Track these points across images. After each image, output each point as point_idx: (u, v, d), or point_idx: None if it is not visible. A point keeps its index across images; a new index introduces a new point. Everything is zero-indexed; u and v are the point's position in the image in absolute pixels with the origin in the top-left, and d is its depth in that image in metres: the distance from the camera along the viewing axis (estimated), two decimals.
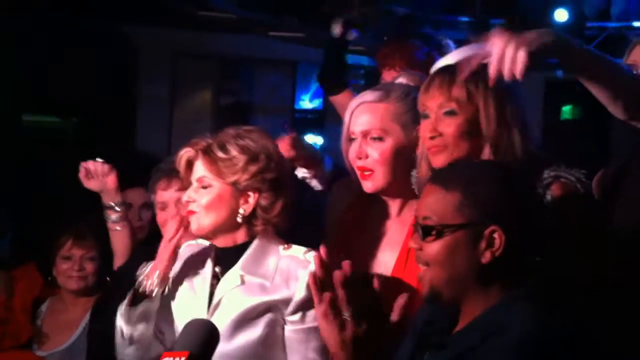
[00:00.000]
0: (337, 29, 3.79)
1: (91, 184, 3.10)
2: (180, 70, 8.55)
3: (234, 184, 2.22)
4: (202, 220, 2.24)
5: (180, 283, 2.34)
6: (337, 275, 1.68)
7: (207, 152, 2.24)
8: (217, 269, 2.29)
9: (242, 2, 6.46)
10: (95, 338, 3.08)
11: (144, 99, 8.34)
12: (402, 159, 2.31)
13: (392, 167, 2.34)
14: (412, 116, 2.28)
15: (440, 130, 2.08)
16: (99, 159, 3.09)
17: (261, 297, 2.19)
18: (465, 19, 7.62)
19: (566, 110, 9.57)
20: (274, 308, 2.19)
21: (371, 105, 2.39)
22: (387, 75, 3.28)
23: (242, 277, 2.22)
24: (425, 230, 1.74)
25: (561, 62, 2.04)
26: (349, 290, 1.68)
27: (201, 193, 2.24)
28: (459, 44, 2.94)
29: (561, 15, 7.25)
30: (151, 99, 8.31)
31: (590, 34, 7.74)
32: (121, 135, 7.72)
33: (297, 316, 2.19)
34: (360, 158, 2.37)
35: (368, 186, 2.37)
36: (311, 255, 2.19)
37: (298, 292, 2.19)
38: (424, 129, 2.13)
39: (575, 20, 7.34)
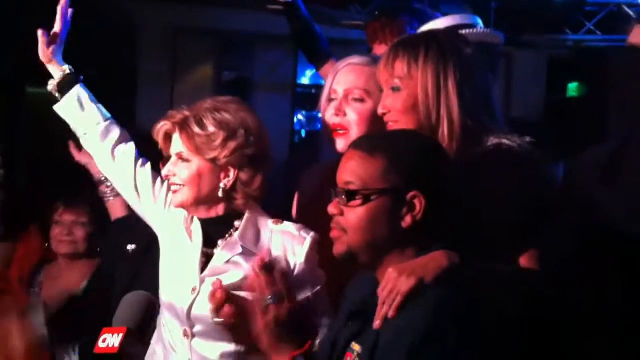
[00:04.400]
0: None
1: (81, 158, 3.15)
2: (180, 46, 8.52)
3: (213, 160, 2.21)
4: (184, 194, 2.24)
5: (170, 244, 2.35)
6: (257, 261, 1.75)
7: (184, 127, 2.22)
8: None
9: None
10: (92, 303, 3.13)
11: (144, 75, 8.32)
12: (378, 124, 2.32)
13: (368, 130, 2.35)
14: None
15: (388, 107, 2.12)
16: None
17: None
18: None
19: (572, 87, 9.53)
20: None
21: (357, 67, 2.42)
22: (378, 50, 3.31)
23: (242, 247, 2.23)
24: (349, 195, 1.76)
25: None
26: (268, 276, 1.74)
27: (180, 167, 2.23)
28: None
29: None
30: (151, 75, 8.29)
31: (591, 11, 7.71)
32: (122, 111, 7.72)
33: (297, 288, 2.18)
34: (337, 115, 2.38)
35: (341, 145, 2.38)
36: (305, 232, 2.24)
37: (298, 266, 2.23)
38: (379, 105, 2.17)
39: None
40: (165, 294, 2.31)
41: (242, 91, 8.80)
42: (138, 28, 7.95)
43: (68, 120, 2.50)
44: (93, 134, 2.44)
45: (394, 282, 1.74)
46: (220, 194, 2.24)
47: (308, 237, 2.24)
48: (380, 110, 2.15)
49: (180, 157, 2.24)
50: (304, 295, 2.22)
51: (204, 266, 2.27)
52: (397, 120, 2.11)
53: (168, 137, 2.28)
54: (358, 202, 1.75)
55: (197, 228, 2.31)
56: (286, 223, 2.30)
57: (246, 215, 2.27)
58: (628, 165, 2.27)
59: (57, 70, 2.51)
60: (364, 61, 2.44)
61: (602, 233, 2.23)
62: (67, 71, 2.50)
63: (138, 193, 2.42)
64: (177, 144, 2.24)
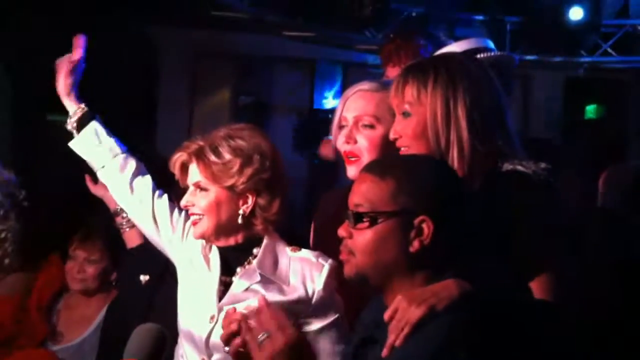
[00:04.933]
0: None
1: (97, 190, 3.18)
2: (199, 70, 8.61)
3: (231, 187, 2.21)
4: (204, 224, 2.24)
5: (188, 273, 2.35)
6: (260, 301, 1.75)
7: (200, 156, 2.22)
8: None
9: (256, 2, 6.50)
10: (108, 335, 3.14)
11: (164, 98, 8.42)
12: (389, 150, 2.29)
13: (380, 156, 2.31)
14: None
15: (399, 132, 2.12)
16: None
17: (280, 297, 2.20)
18: (480, 17, 7.63)
19: (590, 109, 9.53)
20: (287, 309, 2.14)
21: (366, 93, 2.41)
22: (391, 72, 3.26)
23: (261, 275, 2.22)
24: (357, 217, 1.76)
25: None
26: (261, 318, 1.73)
27: (199, 197, 2.23)
28: None
29: (576, 13, 7.23)
30: (171, 98, 8.38)
31: (607, 32, 7.72)
32: (142, 135, 7.81)
33: (315, 316, 2.22)
34: (348, 143, 2.38)
35: (352, 172, 2.36)
36: (323, 259, 2.24)
37: (317, 294, 2.21)
38: (391, 130, 2.16)
39: (591, 18, 7.31)
40: (184, 322, 2.31)
41: (260, 115, 8.87)
42: (158, 53, 8.05)
43: (85, 156, 2.50)
44: (111, 167, 2.44)
45: (403, 312, 1.71)
46: (239, 220, 2.24)
47: (326, 265, 2.23)
48: (391, 136, 2.14)
49: (198, 186, 2.24)
50: (322, 322, 2.21)
51: (222, 294, 2.26)
52: (408, 145, 2.10)
53: (184, 167, 2.28)
54: (365, 224, 1.75)
55: (215, 256, 2.31)
56: (304, 250, 2.29)
57: (264, 243, 2.27)
58: None
59: (74, 106, 2.51)
60: (373, 87, 2.43)
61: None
62: (84, 107, 2.50)
63: (156, 224, 2.41)
64: (194, 174, 2.25)
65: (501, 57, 2.74)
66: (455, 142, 2.05)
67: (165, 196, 2.44)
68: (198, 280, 2.32)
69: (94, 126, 2.47)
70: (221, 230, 2.25)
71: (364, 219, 1.75)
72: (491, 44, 2.72)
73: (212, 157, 2.21)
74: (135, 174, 2.43)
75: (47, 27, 6.97)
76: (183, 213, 2.39)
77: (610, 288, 2.27)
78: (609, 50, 7.94)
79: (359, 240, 1.77)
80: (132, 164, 2.44)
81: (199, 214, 2.24)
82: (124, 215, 3.16)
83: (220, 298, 2.25)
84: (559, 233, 2.02)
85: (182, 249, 2.38)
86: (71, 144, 2.49)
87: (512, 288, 1.94)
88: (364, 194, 1.78)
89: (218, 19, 6.82)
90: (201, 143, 2.23)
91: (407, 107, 2.09)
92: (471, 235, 1.81)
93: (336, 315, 2.24)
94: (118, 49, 7.34)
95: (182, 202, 2.27)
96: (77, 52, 2.53)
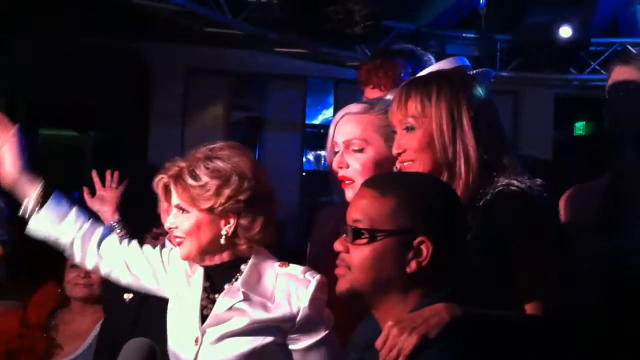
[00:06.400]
0: None
1: (93, 204, 3.20)
2: (192, 85, 8.64)
3: (210, 209, 2.19)
4: (187, 246, 2.23)
5: (171, 290, 2.35)
6: None
7: (179, 180, 2.20)
8: (206, 283, 2.28)
9: (248, 19, 6.54)
10: (103, 349, 3.16)
11: (157, 114, 8.44)
12: (382, 170, 2.31)
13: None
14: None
15: (404, 146, 2.11)
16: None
17: (264, 315, 2.18)
18: (470, 34, 7.68)
19: (579, 126, 9.59)
20: (273, 327, 2.19)
21: (355, 116, 2.44)
22: (370, 94, 3.19)
23: (244, 293, 2.20)
24: (356, 233, 1.74)
25: None
26: None
27: (181, 219, 2.22)
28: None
29: (566, 31, 7.31)
30: (164, 114, 8.40)
31: (596, 50, 7.79)
32: (135, 151, 7.82)
33: (302, 333, 2.20)
34: (341, 167, 2.40)
35: (349, 195, 2.38)
36: (310, 274, 2.21)
37: (302, 311, 2.19)
38: (393, 145, 2.15)
39: (580, 36, 7.38)
40: (171, 344, 2.30)
41: (253, 130, 8.90)
42: (151, 69, 8.08)
43: (48, 235, 2.36)
44: (78, 239, 2.38)
45: (394, 340, 1.69)
46: (222, 241, 2.22)
47: (313, 280, 2.20)
48: (395, 151, 2.13)
49: (179, 208, 2.22)
50: (310, 340, 2.20)
51: (210, 313, 2.25)
52: (413, 159, 2.10)
53: (167, 189, 2.26)
54: (364, 240, 1.73)
55: (197, 278, 2.30)
56: (292, 266, 2.26)
57: (251, 261, 2.25)
58: (621, 199, 2.31)
59: (30, 186, 2.33)
60: (360, 109, 2.44)
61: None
62: (41, 182, 2.33)
63: (135, 275, 2.39)
64: (174, 197, 2.23)
65: (479, 73, 2.76)
66: (462, 152, 2.06)
67: (133, 242, 2.40)
68: (182, 302, 2.31)
69: (57, 201, 2.37)
70: (205, 251, 2.23)
71: (363, 235, 1.73)
72: (467, 61, 2.73)
73: (190, 181, 2.19)
74: (102, 237, 2.39)
75: (41, 44, 7.01)
76: (157, 247, 2.39)
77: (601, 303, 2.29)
78: (598, 67, 8.02)
79: (356, 256, 1.75)
80: (99, 228, 2.39)
81: (182, 237, 2.23)
82: (118, 230, 3.18)
83: (206, 317, 2.24)
84: (552, 250, 2.02)
85: (169, 277, 2.37)
86: (31, 227, 2.35)
87: (505, 306, 1.91)
88: (364, 209, 1.75)
89: (211, 35, 6.86)
90: (182, 164, 2.21)
91: (411, 120, 2.10)
92: (466, 254, 1.81)
93: (325, 332, 2.22)
94: (111, 65, 7.38)
95: (166, 225, 2.27)
96: (9, 128, 2.32)
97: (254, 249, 2.25)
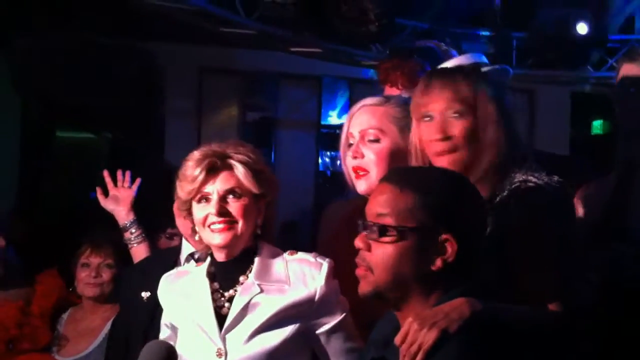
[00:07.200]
0: None
1: (107, 204, 3.22)
2: (206, 86, 8.65)
3: (258, 196, 2.24)
4: (237, 229, 2.23)
5: (179, 312, 2.33)
6: None
7: (243, 163, 2.23)
8: (215, 284, 2.29)
9: (262, 18, 6.54)
10: (112, 351, 3.17)
11: (171, 115, 8.45)
12: (397, 161, 2.31)
13: (387, 168, 2.30)
14: (410, 122, 2.27)
15: (449, 133, 2.08)
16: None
17: (283, 299, 2.19)
18: (485, 32, 7.63)
19: (597, 125, 9.53)
20: (294, 314, 2.20)
21: (370, 108, 2.45)
22: (389, 93, 3.24)
23: (259, 285, 2.22)
24: (382, 230, 1.70)
25: None
26: None
27: (231, 203, 2.23)
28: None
29: (582, 28, 7.25)
30: (178, 114, 8.42)
31: (612, 47, 7.73)
32: (150, 151, 7.85)
33: (323, 315, 2.21)
34: (356, 157, 2.40)
35: (362, 187, 2.38)
36: (321, 258, 2.24)
37: (319, 290, 2.20)
38: (429, 131, 2.11)
39: (596, 33, 7.33)
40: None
41: (267, 130, 8.90)
42: (165, 69, 8.10)
43: None
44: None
45: (414, 335, 1.68)
46: (258, 231, 2.27)
47: (324, 263, 2.23)
48: (436, 136, 2.09)
49: (231, 192, 2.23)
50: (332, 322, 2.22)
51: (227, 312, 2.24)
52: (456, 147, 2.08)
53: (212, 172, 2.24)
54: (391, 238, 1.69)
55: (201, 285, 2.29)
56: (300, 253, 2.29)
57: (260, 252, 2.27)
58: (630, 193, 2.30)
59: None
60: (376, 101, 2.46)
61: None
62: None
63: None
64: (228, 180, 2.23)
65: (498, 69, 2.75)
66: (496, 144, 2.06)
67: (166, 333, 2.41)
68: (193, 321, 2.28)
69: None
70: (242, 238, 2.23)
71: (389, 232, 1.70)
72: (484, 58, 2.74)
73: (252, 164, 2.23)
74: None
75: (56, 46, 7.04)
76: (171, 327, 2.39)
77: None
78: (615, 65, 7.95)
79: (379, 254, 1.72)
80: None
81: (235, 219, 2.22)
82: (132, 230, 3.19)
83: (224, 317, 2.23)
84: (571, 245, 2.01)
85: (171, 313, 2.38)
86: None
87: (521, 302, 1.90)
88: (387, 203, 1.72)
89: (225, 35, 6.86)
90: (240, 148, 2.26)
91: (462, 106, 2.07)
92: (486, 249, 1.79)
93: (343, 314, 2.24)
94: (126, 67, 7.41)
95: (213, 209, 2.22)
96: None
97: (259, 242, 2.28)
